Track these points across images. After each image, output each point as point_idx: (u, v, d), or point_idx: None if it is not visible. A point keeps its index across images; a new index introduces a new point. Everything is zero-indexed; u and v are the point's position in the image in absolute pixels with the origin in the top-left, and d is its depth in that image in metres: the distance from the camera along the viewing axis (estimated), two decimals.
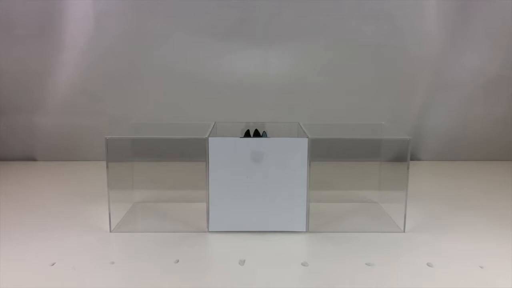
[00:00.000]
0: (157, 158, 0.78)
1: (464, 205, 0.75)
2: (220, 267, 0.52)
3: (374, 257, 0.54)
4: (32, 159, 1.04)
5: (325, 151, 0.62)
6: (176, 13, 0.96)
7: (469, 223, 0.67)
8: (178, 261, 0.53)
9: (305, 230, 0.61)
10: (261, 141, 0.60)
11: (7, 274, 0.49)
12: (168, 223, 0.65)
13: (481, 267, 0.51)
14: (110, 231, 0.62)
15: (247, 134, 0.64)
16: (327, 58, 0.98)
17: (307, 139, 0.59)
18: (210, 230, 0.62)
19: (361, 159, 0.78)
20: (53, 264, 0.52)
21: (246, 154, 0.60)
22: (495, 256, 0.55)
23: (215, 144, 0.60)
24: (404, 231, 0.62)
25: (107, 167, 0.61)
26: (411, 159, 0.69)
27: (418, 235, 0.62)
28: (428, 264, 0.52)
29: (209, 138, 0.60)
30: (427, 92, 1.02)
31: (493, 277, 0.49)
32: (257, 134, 0.64)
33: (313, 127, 0.65)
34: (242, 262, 0.52)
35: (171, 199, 0.75)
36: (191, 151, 0.65)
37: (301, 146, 0.59)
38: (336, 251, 0.56)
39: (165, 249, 0.56)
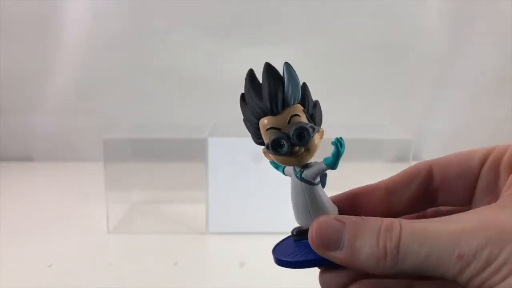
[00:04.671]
0: (156, 158, 0.77)
1: None
2: (220, 268, 0.52)
3: None
4: (28, 159, 1.03)
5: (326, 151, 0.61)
6: (176, 12, 0.95)
7: None
8: (177, 262, 0.52)
9: None
10: None
11: (3, 276, 0.48)
12: (166, 224, 0.65)
13: None
14: (108, 232, 0.61)
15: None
16: (328, 57, 0.98)
17: None
18: (209, 231, 0.61)
19: (363, 159, 0.78)
20: (50, 266, 0.51)
21: (246, 154, 0.59)
22: None
23: (214, 144, 0.59)
24: None
25: (105, 167, 0.60)
26: (413, 159, 0.69)
27: None
28: None
29: (209, 138, 0.59)
30: (430, 92, 1.01)
31: None
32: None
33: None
34: (242, 264, 0.52)
35: (170, 200, 0.75)
36: (190, 151, 0.65)
37: None
38: None
39: (164, 250, 0.56)
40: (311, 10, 0.95)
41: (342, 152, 0.20)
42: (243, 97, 0.22)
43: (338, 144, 0.20)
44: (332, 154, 0.20)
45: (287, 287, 0.47)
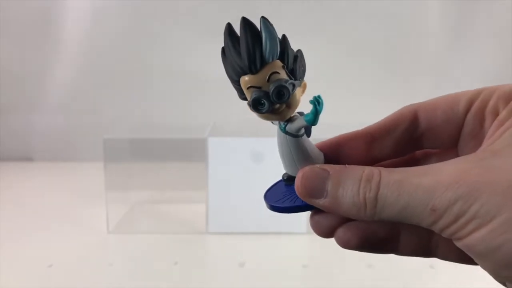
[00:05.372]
0: (156, 158, 0.77)
1: None
2: (220, 268, 0.52)
3: (375, 259, 0.53)
4: (28, 159, 1.03)
5: None
6: (176, 12, 0.95)
7: None
8: (177, 262, 0.52)
9: (305, 231, 0.60)
10: (261, 141, 0.59)
11: (3, 276, 0.48)
12: (166, 224, 0.65)
13: None
14: (108, 232, 0.61)
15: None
16: (328, 57, 0.98)
17: None
18: (209, 231, 0.61)
19: None
20: (50, 266, 0.51)
21: (245, 154, 0.59)
22: None
23: (214, 144, 0.59)
24: None
25: (105, 167, 0.60)
26: None
27: None
28: (431, 266, 0.51)
29: (209, 138, 0.59)
30: (430, 92, 1.01)
31: None
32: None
33: (313, 127, 0.65)
34: (241, 264, 0.52)
35: (170, 200, 0.75)
36: (190, 151, 0.64)
37: None
38: (337, 252, 0.55)
39: (164, 250, 0.56)
40: (311, 10, 0.95)
41: (320, 110, 0.20)
42: (223, 50, 0.22)
43: (316, 102, 0.20)
44: (311, 112, 0.21)
45: (286, 287, 0.47)
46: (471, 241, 0.17)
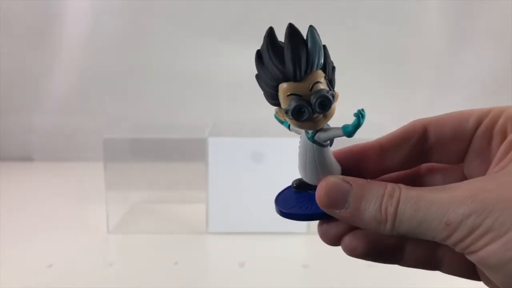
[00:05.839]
0: (156, 158, 0.77)
1: None
2: (220, 268, 0.52)
3: None
4: (28, 159, 1.03)
5: None
6: (176, 12, 0.95)
7: None
8: (176, 262, 0.52)
9: (305, 231, 0.60)
10: (261, 141, 0.59)
11: (3, 276, 0.48)
12: (166, 224, 0.65)
13: None
14: (108, 232, 0.61)
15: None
16: None
17: None
18: (209, 231, 0.61)
19: None
20: (50, 266, 0.51)
21: (246, 154, 0.59)
22: None
23: (214, 144, 0.59)
24: None
25: (105, 167, 0.60)
26: None
27: None
28: None
29: (209, 138, 0.59)
30: (430, 92, 1.01)
31: None
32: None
33: None
34: (241, 264, 0.52)
35: (170, 200, 0.75)
36: (190, 151, 0.64)
37: None
38: (338, 252, 0.55)
39: (164, 250, 0.56)
40: (311, 11, 0.95)
41: (362, 124, 0.21)
42: (259, 55, 0.21)
43: (360, 115, 0.20)
44: (352, 124, 0.21)
45: (286, 287, 0.47)
46: (485, 253, 0.18)
